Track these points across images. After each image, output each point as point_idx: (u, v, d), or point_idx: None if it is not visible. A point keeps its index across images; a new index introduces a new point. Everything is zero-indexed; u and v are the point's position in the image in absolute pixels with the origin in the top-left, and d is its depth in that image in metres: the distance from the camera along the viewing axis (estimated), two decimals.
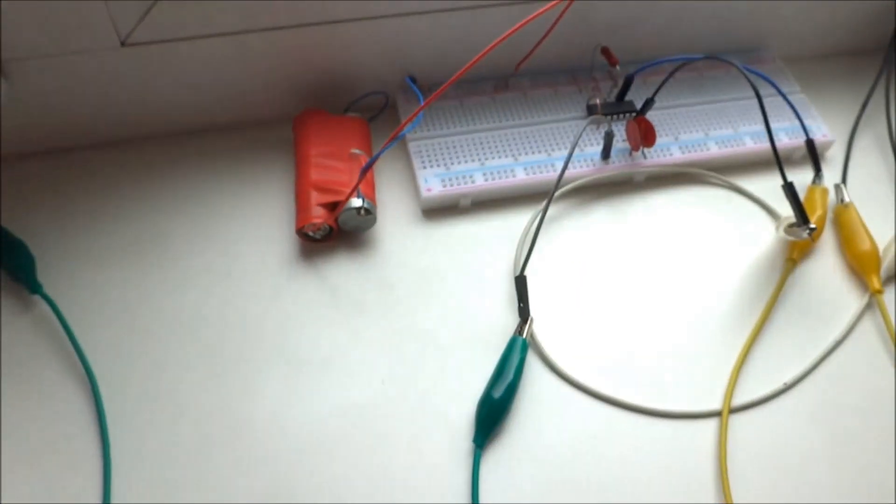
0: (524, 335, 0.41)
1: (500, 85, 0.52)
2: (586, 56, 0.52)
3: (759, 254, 0.47)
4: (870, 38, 0.58)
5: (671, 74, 0.48)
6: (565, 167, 0.44)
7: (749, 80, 0.41)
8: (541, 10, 0.40)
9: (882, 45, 0.56)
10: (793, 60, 0.57)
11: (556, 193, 0.46)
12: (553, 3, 0.41)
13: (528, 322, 0.41)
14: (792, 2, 0.54)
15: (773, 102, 0.50)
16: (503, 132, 0.50)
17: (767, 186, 0.50)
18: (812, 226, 0.41)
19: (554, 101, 0.52)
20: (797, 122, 0.49)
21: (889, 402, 0.41)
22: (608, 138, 0.47)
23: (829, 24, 0.56)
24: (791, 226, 0.42)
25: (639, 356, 0.42)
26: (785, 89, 0.52)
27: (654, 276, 0.46)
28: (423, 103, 0.39)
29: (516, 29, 0.38)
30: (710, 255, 0.47)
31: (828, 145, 0.52)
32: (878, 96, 0.55)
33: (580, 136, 0.44)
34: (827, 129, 0.52)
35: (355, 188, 0.42)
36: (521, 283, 0.42)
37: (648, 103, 0.49)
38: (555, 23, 0.47)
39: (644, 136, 0.48)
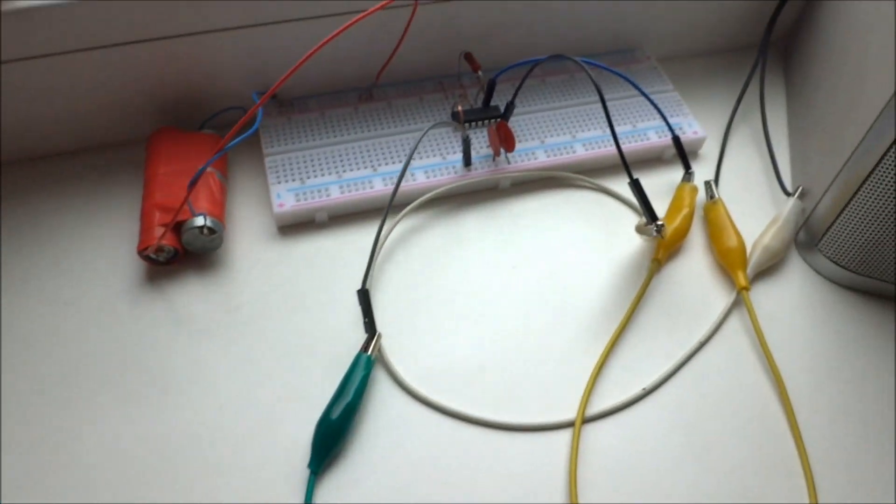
0: (370, 352, 0.39)
1: (364, 95, 0.51)
2: (455, 62, 0.51)
3: (626, 256, 0.46)
4: (744, 35, 0.57)
5: (525, 78, 0.46)
6: (401, 178, 0.42)
7: (591, 79, 0.40)
8: (354, 20, 0.38)
9: (755, 42, 0.56)
10: (669, 60, 0.56)
11: (417, 202, 0.45)
12: (377, 7, 0.39)
13: (375, 338, 0.40)
14: (664, 2, 0.53)
15: (645, 101, 0.49)
16: (364, 143, 0.48)
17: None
18: (659, 223, 0.40)
19: (419, 109, 0.50)
20: (674, 121, 0.49)
21: (754, 400, 0.40)
22: (465, 145, 0.46)
23: (703, 23, 0.56)
24: (643, 224, 0.41)
25: (495, 369, 0.40)
26: (657, 88, 0.51)
27: (518, 283, 0.44)
28: (255, 117, 0.37)
29: (331, 38, 0.37)
30: (576, 259, 0.45)
31: (700, 142, 0.51)
32: (753, 92, 0.54)
33: (417, 144, 0.43)
34: (699, 126, 0.51)
35: (182, 205, 0.40)
36: (364, 298, 0.40)
37: (509, 108, 0.48)
38: (405, 32, 0.45)
39: (504, 140, 0.47)
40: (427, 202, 0.47)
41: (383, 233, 0.45)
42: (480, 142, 0.48)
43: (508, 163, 0.48)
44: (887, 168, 0.39)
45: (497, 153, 0.47)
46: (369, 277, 0.41)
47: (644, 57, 0.55)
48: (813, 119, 0.49)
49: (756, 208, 0.48)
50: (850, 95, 0.44)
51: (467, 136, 0.45)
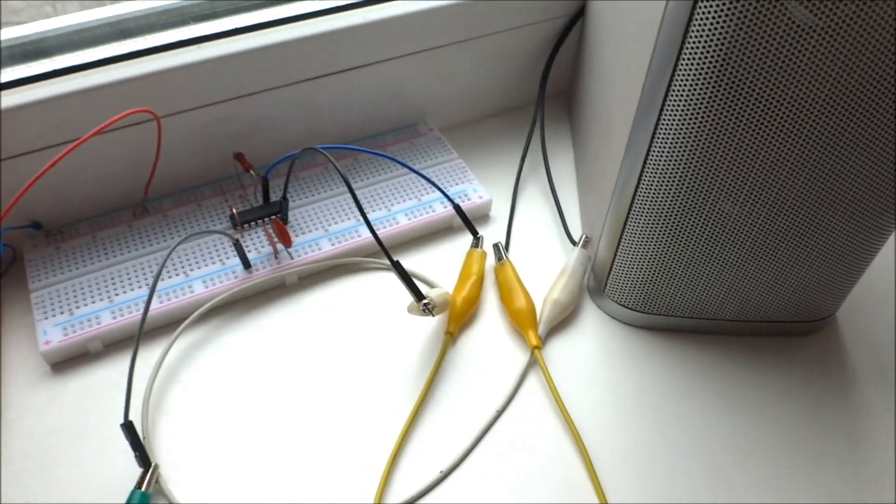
0: (144, 487, 0.36)
1: (138, 211, 0.49)
2: (232, 163, 0.50)
3: (422, 333, 0.45)
4: (526, 93, 0.59)
5: (289, 173, 0.46)
6: (149, 299, 0.40)
7: (338, 169, 0.39)
8: (67, 150, 0.37)
9: (532, 99, 0.57)
10: (454, 127, 0.57)
11: (196, 315, 0.44)
12: (91, 134, 0.38)
13: (151, 470, 0.37)
14: (439, 78, 0.54)
15: (433, 172, 0.51)
16: (139, 261, 0.46)
17: (428, 260, 0.48)
18: (425, 301, 0.39)
19: (198, 216, 0.49)
20: (459, 188, 0.50)
21: (555, 463, 0.39)
22: (238, 248, 0.44)
23: (481, 89, 0.57)
24: (413, 304, 0.40)
25: (290, 475, 0.38)
26: (442, 158, 0.52)
27: (312, 379, 0.43)
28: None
29: (44, 171, 0.35)
30: (371, 343, 0.44)
31: (487, 206, 0.51)
32: (536, 147, 0.55)
33: (165, 261, 0.41)
34: (484, 190, 0.51)
35: None
36: (129, 431, 0.38)
37: (283, 203, 0.47)
38: (158, 146, 0.44)
39: (280, 236, 0.46)
40: (209, 312, 0.45)
41: (159, 355, 0.42)
42: (265, 241, 0.47)
43: (291, 258, 0.46)
44: (642, 208, 0.39)
45: (275, 251, 0.46)
46: (131, 408, 0.39)
47: (427, 129, 0.55)
48: (588, 165, 0.50)
49: (547, 262, 0.48)
50: (606, 141, 0.45)
51: (237, 240, 0.44)
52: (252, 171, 0.48)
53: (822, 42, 0.31)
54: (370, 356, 0.44)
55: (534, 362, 0.43)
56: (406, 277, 0.39)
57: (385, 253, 0.39)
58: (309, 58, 0.48)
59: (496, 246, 0.48)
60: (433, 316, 0.40)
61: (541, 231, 0.51)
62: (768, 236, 0.39)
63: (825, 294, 0.43)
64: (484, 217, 0.52)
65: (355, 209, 0.49)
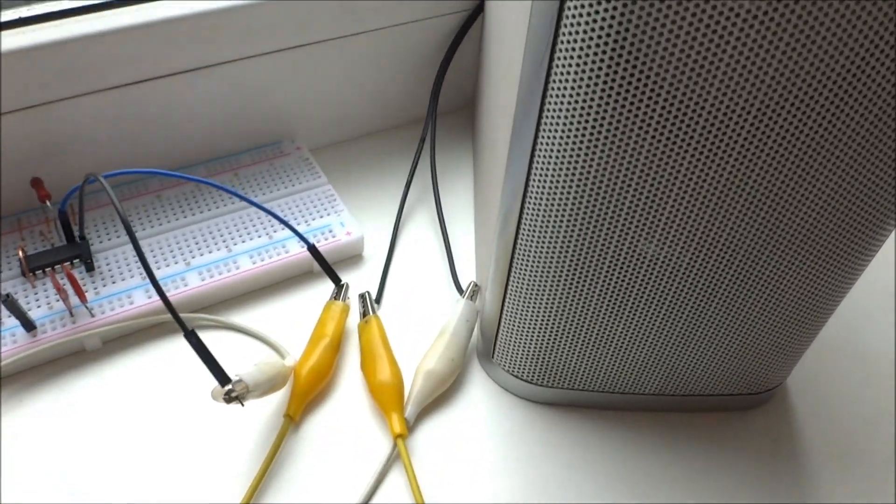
0: None
1: None
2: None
3: (256, 418, 0.34)
4: (412, 108, 0.49)
5: (81, 204, 0.35)
6: None
7: (115, 205, 0.29)
8: None
9: (423, 114, 0.47)
10: (330, 146, 0.46)
11: None
12: None
13: None
14: (312, 90, 0.43)
15: (294, 200, 0.42)
16: None
17: (280, 315, 0.38)
18: (229, 387, 0.29)
19: None
20: (323, 221, 0.40)
21: None
22: (10, 305, 0.33)
23: (360, 100, 0.47)
24: (217, 389, 0.30)
25: None
26: (307, 183, 0.42)
27: (111, 476, 0.32)
28: None
29: None
30: (191, 431, 0.34)
31: (358, 244, 0.41)
32: (426, 172, 0.45)
33: None
34: (355, 224, 0.41)
35: None
36: None
37: (81, 243, 0.36)
38: None
39: (74, 289, 0.35)
40: None
41: None
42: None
43: (92, 315, 0.36)
44: (527, 249, 0.29)
45: (68, 307, 0.35)
46: None
47: (293, 148, 0.45)
48: (482, 193, 0.40)
49: (430, 318, 0.38)
50: (490, 163, 0.35)
51: (7, 296, 0.33)
52: (48, 203, 0.37)
53: (747, 28, 0.21)
54: (188, 446, 0.33)
55: (397, 456, 0.33)
56: (204, 353, 0.28)
57: (176, 318, 0.28)
58: (135, 55, 0.37)
59: (362, 297, 0.38)
60: (242, 405, 0.29)
61: (425, 278, 0.41)
62: (697, 287, 0.29)
63: (774, 362, 0.33)
64: (355, 258, 0.41)
65: (183, 248, 0.39)
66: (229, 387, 0.29)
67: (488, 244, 0.35)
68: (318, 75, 0.44)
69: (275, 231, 0.40)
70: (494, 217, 0.32)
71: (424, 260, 0.42)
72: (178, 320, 0.28)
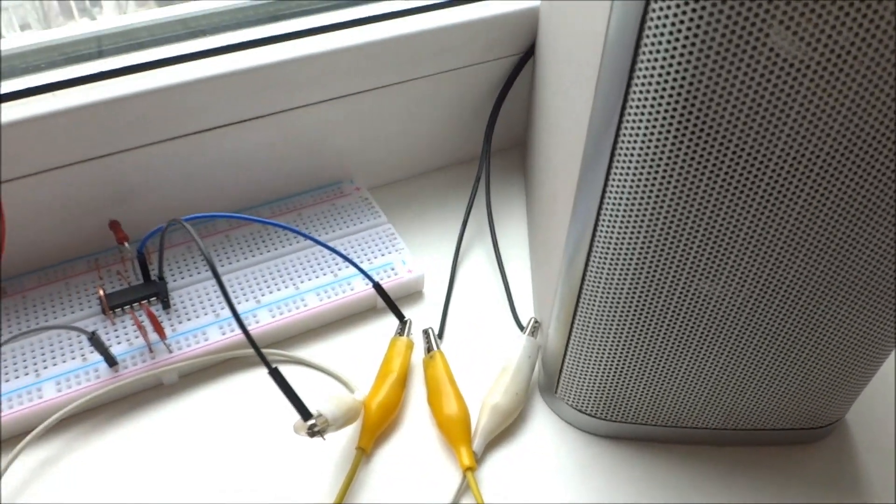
0: None
1: None
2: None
3: (329, 450, 0.35)
4: (465, 148, 0.50)
5: (161, 246, 0.37)
6: None
7: (200, 247, 0.30)
8: None
9: (477, 153, 0.48)
10: (384, 186, 0.48)
11: (43, 427, 0.35)
12: None
13: None
14: (368, 132, 0.45)
15: (356, 240, 0.43)
16: None
17: (346, 351, 0.40)
18: (312, 421, 0.30)
19: (64, 297, 0.40)
20: (385, 259, 0.42)
21: None
22: (95, 342, 0.35)
23: (415, 142, 0.49)
24: (299, 423, 0.31)
25: None
26: (368, 222, 0.43)
27: (198, 501, 0.33)
28: None
29: None
30: (265, 463, 0.35)
31: (419, 282, 0.42)
32: (482, 211, 0.46)
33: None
34: (415, 262, 0.42)
35: None
36: None
37: (159, 283, 0.38)
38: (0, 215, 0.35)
39: (154, 326, 0.36)
40: (64, 421, 0.35)
41: None
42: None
43: (170, 351, 0.37)
44: (594, 289, 0.31)
45: (148, 343, 0.37)
46: None
47: (352, 188, 0.46)
48: (540, 233, 0.42)
49: (491, 353, 0.39)
50: (552, 205, 0.36)
51: (93, 333, 0.35)
52: (127, 244, 0.39)
53: (816, 79, 0.22)
54: (263, 477, 0.35)
55: (467, 488, 0.34)
56: (287, 389, 0.30)
57: (260, 356, 0.30)
58: (203, 105, 0.39)
59: (426, 332, 0.39)
60: (324, 439, 0.31)
61: (485, 313, 0.42)
62: (759, 326, 0.30)
63: (833, 396, 0.34)
64: (415, 295, 0.43)
65: (253, 287, 0.40)
66: (312, 421, 0.30)
67: (549, 282, 0.36)
68: (377, 118, 0.45)
69: (339, 269, 0.42)
70: (557, 256, 0.33)
71: (483, 296, 0.43)
72: (262, 357, 0.30)
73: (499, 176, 0.49)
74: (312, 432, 0.30)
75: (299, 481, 0.34)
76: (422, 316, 0.41)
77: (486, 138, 0.47)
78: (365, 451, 0.35)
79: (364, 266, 0.42)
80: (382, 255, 0.43)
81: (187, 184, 0.42)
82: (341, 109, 0.44)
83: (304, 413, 0.30)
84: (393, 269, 0.42)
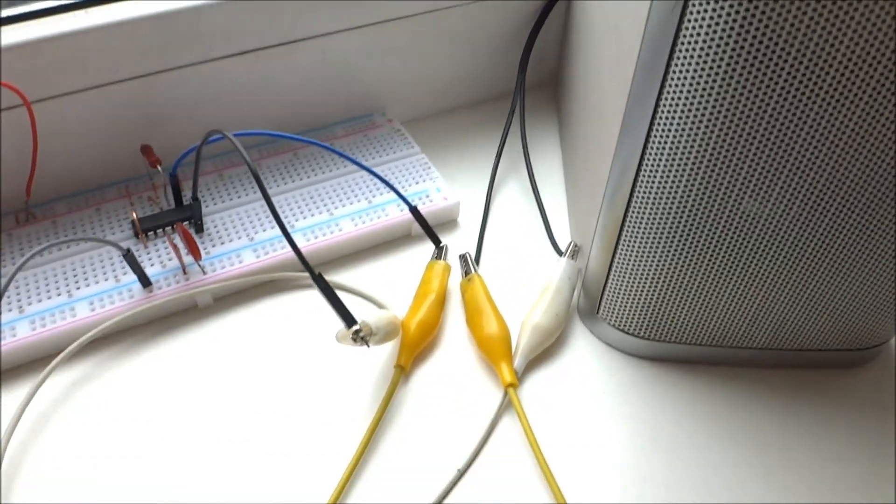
0: None
1: (22, 216, 0.39)
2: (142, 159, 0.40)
3: (365, 369, 0.35)
4: (504, 81, 0.49)
5: (197, 166, 0.36)
6: None
7: (246, 159, 0.30)
8: None
9: (512, 87, 0.47)
10: (420, 119, 0.47)
11: (76, 345, 0.34)
12: None
13: None
14: (402, 63, 0.44)
15: (388, 169, 0.43)
16: (15, 279, 0.36)
17: (381, 275, 0.39)
18: (356, 327, 0.29)
19: (95, 222, 0.39)
20: (420, 187, 0.41)
21: None
22: (130, 260, 0.35)
23: (449, 74, 0.48)
24: (343, 332, 0.30)
25: None
26: (401, 152, 0.42)
27: (225, 428, 0.33)
28: None
29: None
30: (301, 384, 0.35)
31: (454, 209, 0.42)
32: (516, 142, 0.45)
33: (13, 277, 0.31)
34: (450, 190, 0.41)
35: None
36: None
37: (193, 207, 0.37)
38: (34, 137, 0.35)
39: (188, 246, 0.36)
40: (96, 342, 0.35)
41: (29, 394, 0.32)
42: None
43: (204, 273, 0.37)
44: (642, 209, 0.30)
45: (182, 265, 0.36)
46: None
47: (385, 121, 0.46)
48: (578, 161, 0.41)
49: (528, 278, 0.39)
50: (595, 130, 0.35)
51: (128, 251, 0.34)
52: (160, 168, 0.39)
53: None
54: (301, 397, 0.34)
55: (508, 404, 0.33)
56: (332, 295, 0.29)
57: (304, 264, 0.29)
58: (236, 28, 0.39)
59: (463, 257, 0.38)
60: (368, 346, 0.30)
61: (520, 239, 0.41)
62: (808, 244, 0.29)
63: (881, 316, 0.33)
64: (451, 223, 0.42)
65: (287, 212, 0.40)
66: (357, 327, 0.29)
67: (591, 208, 0.35)
68: (408, 49, 0.45)
69: (373, 196, 0.41)
70: (599, 179, 0.32)
71: (518, 224, 0.42)
72: (306, 264, 0.29)
73: (531, 111, 0.48)
74: (357, 338, 0.29)
75: (338, 401, 0.34)
76: (458, 244, 0.41)
77: (521, 68, 0.46)
78: (404, 368, 0.34)
79: (394, 195, 0.41)
80: (417, 183, 0.42)
81: (218, 110, 0.42)
82: (373, 38, 0.43)
83: (349, 319, 0.29)
84: (428, 197, 0.41)
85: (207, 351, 0.36)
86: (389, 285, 0.38)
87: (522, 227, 0.42)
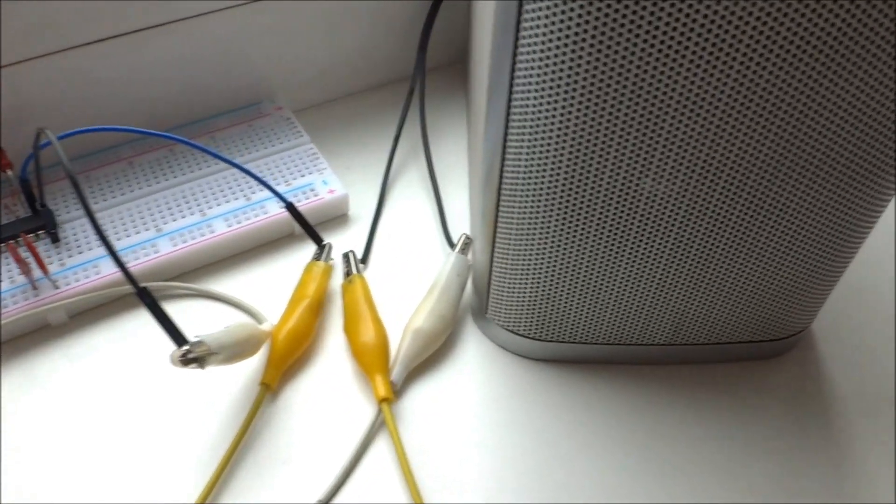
0: None
1: None
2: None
3: (232, 387, 0.32)
4: (400, 64, 0.45)
5: (38, 169, 0.33)
6: None
7: (64, 164, 0.26)
8: None
9: (407, 75, 0.44)
10: (311, 108, 0.44)
11: None
12: None
13: None
14: (291, 48, 0.41)
15: (275, 161, 0.39)
16: None
17: (259, 281, 0.36)
18: (186, 348, 0.26)
19: None
20: (305, 180, 0.38)
21: None
22: None
23: (343, 56, 0.44)
24: (175, 353, 0.27)
25: None
26: (289, 143, 0.39)
27: (81, 453, 0.30)
28: None
29: None
30: (164, 405, 0.32)
31: (342, 203, 0.38)
32: (416, 129, 0.42)
33: None
34: (338, 182, 0.38)
35: None
36: None
37: (44, 211, 0.34)
38: None
39: (36, 258, 0.32)
40: None
41: None
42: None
43: (56, 287, 0.33)
44: (514, 190, 0.27)
45: (31, 279, 0.33)
46: None
47: (273, 108, 0.42)
48: (472, 145, 0.37)
49: (420, 275, 0.35)
50: (477, 110, 0.32)
51: None
52: (10, 172, 0.35)
53: None
54: (160, 421, 0.31)
55: (382, 422, 0.30)
56: (157, 310, 0.26)
57: (127, 276, 0.26)
58: (97, 12, 0.35)
59: (345, 256, 0.35)
60: (203, 368, 0.27)
61: (416, 235, 0.38)
62: (704, 227, 0.26)
63: (795, 305, 0.30)
64: (340, 218, 0.39)
65: (154, 214, 0.36)
66: (186, 348, 0.26)
67: (477, 194, 0.32)
68: (295, 29, 0.41)
69: (252, 193, 0.38)
70: (476, 162, 0.29)
71: (415, 218, 0.39)
72: (130, 277, 0.26)
73: (437, 94, 0.45)
74: (186, 360, 0.26)
75: (198, 427, 0.30)
76: (347, 241, 0.37)
77: (421, 45, 0.42)
78: (270, 386, 0.31)
79: (281, 188, 0.38)
80: (303, 175, 0.39)
81: (82, 105, 0.38)
82: (253, 18, 0.39)
83: (178, 338, 0.26)
84: (313, 190, 0.38)
85: (61, 374, 0.32)
86: (269, 291, 0.35)
87: (419, 222, 0.39)
